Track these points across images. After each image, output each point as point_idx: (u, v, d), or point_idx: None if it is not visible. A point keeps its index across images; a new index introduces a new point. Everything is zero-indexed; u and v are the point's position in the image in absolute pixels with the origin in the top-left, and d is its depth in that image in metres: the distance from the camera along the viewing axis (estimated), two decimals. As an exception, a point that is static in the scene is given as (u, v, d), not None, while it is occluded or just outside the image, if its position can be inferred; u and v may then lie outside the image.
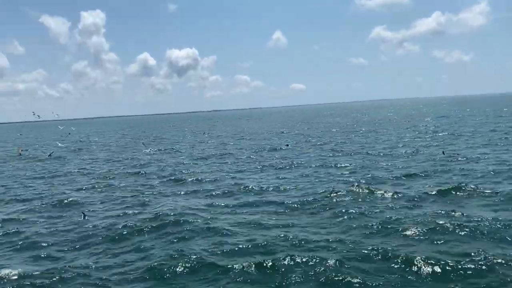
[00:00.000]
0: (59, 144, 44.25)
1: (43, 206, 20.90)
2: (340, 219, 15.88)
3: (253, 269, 11.55)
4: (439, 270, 10.80)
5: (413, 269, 10.98)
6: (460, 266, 10.88)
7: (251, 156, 37.01)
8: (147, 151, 47.91)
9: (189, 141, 62.33)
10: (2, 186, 28.06)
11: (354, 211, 16.58)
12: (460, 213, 15.32)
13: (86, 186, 26.12)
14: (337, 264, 11.46)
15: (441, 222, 14.37)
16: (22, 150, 47.79)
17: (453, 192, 18.56)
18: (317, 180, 23.72)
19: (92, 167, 36.11)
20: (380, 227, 14.50)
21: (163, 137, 77.93)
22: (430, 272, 10.78)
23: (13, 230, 16.72)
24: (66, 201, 21.66)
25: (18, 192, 25.23)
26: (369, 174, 24.19)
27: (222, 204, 19.40)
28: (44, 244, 14.86)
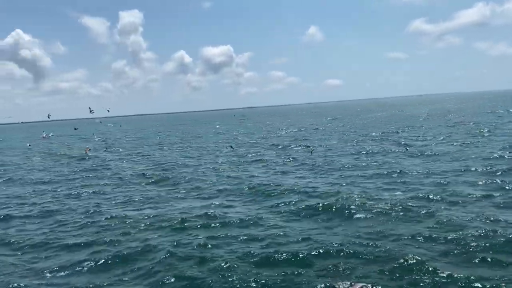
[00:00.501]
0: (96, 138, 47.11)
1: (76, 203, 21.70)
2: (370, 225, 15.04)
3: (278, 274, 11.38)
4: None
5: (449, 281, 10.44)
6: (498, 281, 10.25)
7: (280, 156, 36.73)
8: (179, 149, 48.67)
9: (221, 139, 62.72)
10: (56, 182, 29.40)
11: (386, 217, 15.68)
12: (504, 220, 14.31)
13: (120, 184, 26.89)
14: (366, 270, 11.11)
15: (481, 228, 13.55)
16: (89, 150, 48.94)
17: (494, 195, 17.47)
18: (347, 181, 22.96)
19: (125, 164, 37.01)
20: (415, 236, 13.49)
21: (197, 135, 78.74)
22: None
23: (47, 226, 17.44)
24: (95, 201, 22.33)
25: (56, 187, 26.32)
26: (404, 175, 23.33)
27: (247, 205, 19.31)
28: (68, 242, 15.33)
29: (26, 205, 21.96)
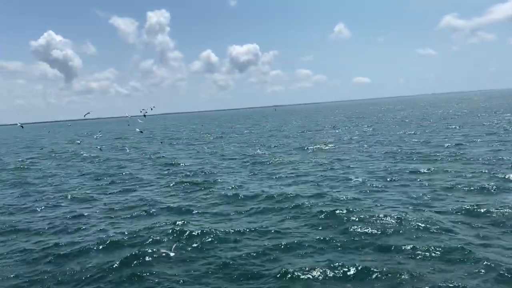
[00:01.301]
0: (137, 130, 49.79)
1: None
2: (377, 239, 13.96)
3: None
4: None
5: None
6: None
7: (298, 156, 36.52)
8: (202, 151, 49.07)
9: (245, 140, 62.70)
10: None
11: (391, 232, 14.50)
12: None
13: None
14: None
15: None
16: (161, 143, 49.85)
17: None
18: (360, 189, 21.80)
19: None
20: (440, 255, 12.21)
21: (226, 135, 78.91)
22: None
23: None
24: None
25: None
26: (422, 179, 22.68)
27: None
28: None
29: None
